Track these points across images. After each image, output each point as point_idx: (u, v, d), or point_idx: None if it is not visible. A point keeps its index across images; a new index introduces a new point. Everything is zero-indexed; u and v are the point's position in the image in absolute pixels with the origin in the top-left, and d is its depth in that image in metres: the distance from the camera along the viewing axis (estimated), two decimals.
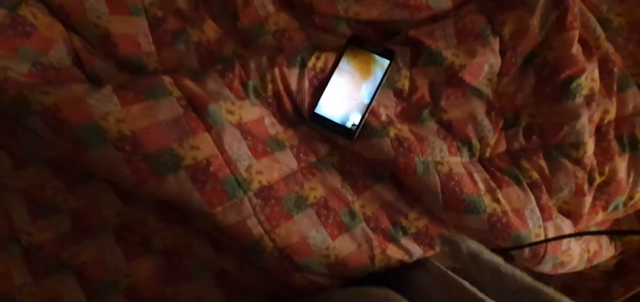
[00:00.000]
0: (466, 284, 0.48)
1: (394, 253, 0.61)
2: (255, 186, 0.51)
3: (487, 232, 0.60)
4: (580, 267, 0.73)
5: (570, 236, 0.61)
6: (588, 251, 0.71)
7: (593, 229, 0.72)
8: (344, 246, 0.56)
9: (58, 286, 0.54)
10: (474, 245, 0.48)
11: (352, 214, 0.58)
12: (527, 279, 0.48)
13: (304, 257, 0.53)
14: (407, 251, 0.62)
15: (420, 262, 0.59)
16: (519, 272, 0.50)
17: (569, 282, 0.90)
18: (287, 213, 0.53)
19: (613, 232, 0.57)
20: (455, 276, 0.50)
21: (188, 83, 0.52)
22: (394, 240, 0.60)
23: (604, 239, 0.77)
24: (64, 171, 0.54)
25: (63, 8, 0.55)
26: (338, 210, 0.57)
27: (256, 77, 0.56)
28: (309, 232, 0.53)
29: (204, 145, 0.49)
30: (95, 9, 0.56)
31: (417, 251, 0.63)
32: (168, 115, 0.48)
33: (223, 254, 0.57)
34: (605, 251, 0.75)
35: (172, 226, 0.56)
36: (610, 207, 0.68)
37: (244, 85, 0.56)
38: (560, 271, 0.69)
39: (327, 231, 0.55)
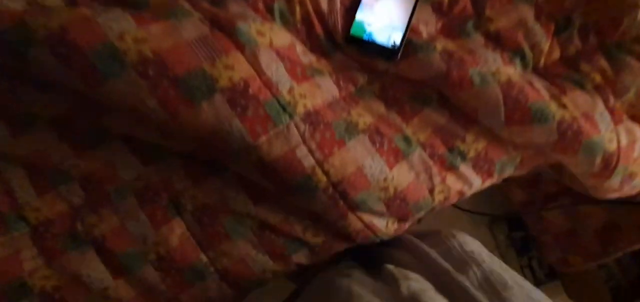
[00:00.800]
0: (449, 267, 0.42)
1: (454, 183, 0.54)
2: (301, 109, 0.44)
3: (554, 143, 0.53)
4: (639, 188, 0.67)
5: None
6: None
7: None
8: (402, 176, 0.49)
9: (76, 263, 0.46)
10: (416, 285, 0.40)
11: (407, 140, 0.51)
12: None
13: (361, 191, 0.46)
14: (466, 181, 0.55)
15: (398, 240, 0.52)
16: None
17: (610, 219, 0.85)
18: (340, 139, 0.45)
19: None
20: (438, 257, 0.44)
21: (208, 6, 0.45)
22: (452, 167, 0.54)
23: None
24: (71, 132, 0.46)
25: None
26: (391, 136, 0.50)
27: None
28: (364, 161, 0.46)
29: (239, 65, 0.41)
30: None
31: (476, 181, 0.56)
32: (194, 33, 0.41)
33: (265, 204, 0.49)
34: None
35: (202, 182, 0.48)
36: None
37: (269, 8, 0.49)
38: (626, 187, 0.63)
39: (383, 158, 0.48)
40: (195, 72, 0.39)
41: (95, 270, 0.46)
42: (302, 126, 0.44)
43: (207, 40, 0.41)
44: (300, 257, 0.52)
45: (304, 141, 0.43)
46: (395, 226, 0.53)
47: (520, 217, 1.04)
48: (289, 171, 0.43)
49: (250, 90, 0.41)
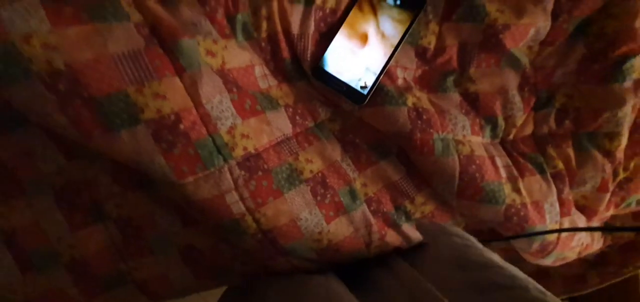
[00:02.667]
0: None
1: (393, 240, 0.53)
2: (239, 152, 0.40)
3: (499, 223, 0.53)
4: (574, 257, 0.69)
5: (576, 229, 0.55)
6: (581, 244, 0.67)
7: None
8: (339, 230, 0.47)
9: None
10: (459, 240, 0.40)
11: (352, 194, 0.48)
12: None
13: (291, 241, 0.44)
14: (406, 237, 0.54)
15: (383, 259, 0.51)
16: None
17: (542, 267, 0.89)
18: (277, 189, 0.42)
19: (610, 230, 0.52)
20: (430, 286, 0.42)
21: (153, 5, 0.38)
22: (394, 226, 0.52)
23: (597, 233, 0.73)
24: None
25: None
26: (337, 188, 0.47)
27: (247, 9, 0.43)
28: (301, 214, 0.44)
29: (172, 94, 0.36)
30: None
31: (416, 239, 0.55)
32: (123, 46, 0.34)
33: (193, 228, 0.46)
34: (595, 244, 0.72)
35: (131, 191, 0.44)
36: (624, 204, 0.63)
37: (231, 19, 0.42)
38: (558, 263, 0.65)
39: (322, 212, 0.45)
40: (116, 96, 0.34)
41: (2, 264, 0.43)
42: (236, 171, 0.40)
43: (139, 58, 0.35)
44: (227, 281, 0.51)
45: (237, 188, 0.40)
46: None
47: None
48: (215, 213, 0.40)
49: (182, 126, 0.36)
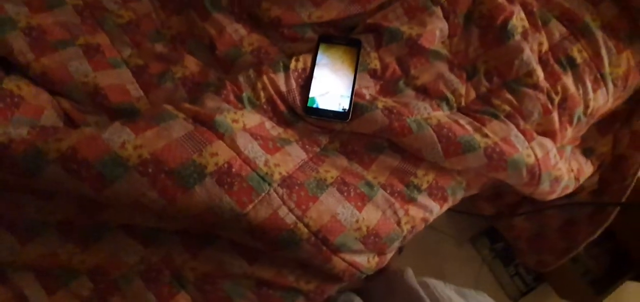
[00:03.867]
0: None
1: (416, 213, 0.64)
2: (277, 177, 0.53)
3: (486, 166, 0.65)
4: (572, 187, 0.81)
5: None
6: (572, 170, 0.80)
7: (569, 147, 0.82)
8: (371, 215, 0.58)
9: None
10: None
11: (369, 185, 0.61)
12: None
13: (338, 234, 0.54)
14: (426, 208, 0.65)
15: (383, 273, 0.60)
16: None
17: (567, 217, 0.98)
18: (313, 195, 0.54)
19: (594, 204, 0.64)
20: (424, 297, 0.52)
21: (188, 106, 0.55)
22: (412, 200, 0.63)
23: (581, 156, 0.87)
24: (74, 232, 0.52)
25: (46, 75, 0.56)
26: (356, 183, 0.60)
27: (248, 88, 0.60)
28: (337, 209, 0.55)
29: (221, 151, 0.50)
30: (80, 70, 0.58)
31: (435, 207, 0.66)
32: (181, 132, 0.50)
33: (258, 264, 0.56)
34: (585, 166, 0.85)
35: (199, 253, 0.55)
36: (575, 119, 0.77)
37: (239, 98, 0.59)
38: (557, 189, 0.76)
39: (352, 204, 0.57)
40: (186, 163, 0.48)
41: None
42: (280, 190, 0.52)
43: (193, 136, 0.50)
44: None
45: (284, 202, 0.52)
46: (376, 259, 0.61)
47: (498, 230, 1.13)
48: (275, 230, 0.51)
49: (234, 169, 0.50)
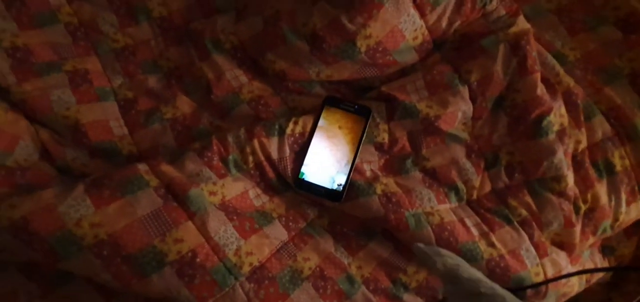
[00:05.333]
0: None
1: None
2: (246, 269, 0.49)
3: (487, 277, 0.59)
4: (581, 289, 0.73)
5: (569, 275, 0.60)
6: (582, 276, 0.72)
7: (587, 251, 0.73)
8: None
9: None
10: (450, 261, 0.45)
11: (350, 280, 0.55)
12: (509, 298, 0.45)
13: None
14: None
15: None
16: (500, 291, 0.47)
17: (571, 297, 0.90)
18: (283, 292, 0.50)
19: (611, 269, 0.57)
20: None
21: (165, 168, 0.50)
22: (396, 299, 0.58)
23: (598, 256, 0.78)
24: (38, 274, 0.49)
25: (26, 102, 0.53)
26: (335, 278, 0.55)
27: (236, 151, 0.55)
28: None
29: (188, 236, 0.46)
30: (62, 101, 0.54)
31: None
32: (147, 209, 0.45)
33: None
34: (600, 265, 0.76)
35: None
36: (599, 231, 0.68)
37: (224, 161, 0.54)
38: (563, 300, 0.69)
39: None
40: (146, 249, 0.44)
41: None
42: (247, 285, 0.48)
43: (159, 215, 0.46)
44: None
45: (249, 300, 0.48)
46: None
47: None
48: None
49: (198, 259, 0.46)
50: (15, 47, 0.53)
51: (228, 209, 0.51)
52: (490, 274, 0.58)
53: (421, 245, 0.48)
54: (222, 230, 0.49)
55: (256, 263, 0.50)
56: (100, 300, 0.51)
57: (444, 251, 0.46)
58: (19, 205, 0.42)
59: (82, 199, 0.43)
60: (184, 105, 0.60)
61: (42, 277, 0.50)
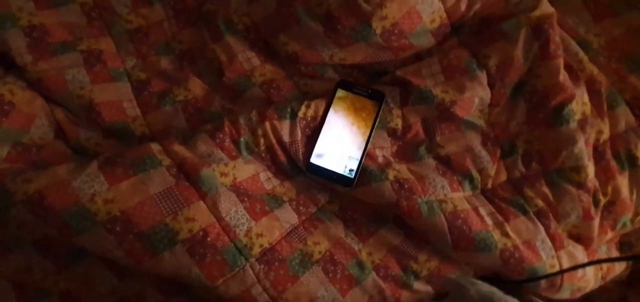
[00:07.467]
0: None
1: (408, 299, 0.58)
2: (256, 250, 0.48)
3: (500, 267, 0.57)
4: (596, 286, 0.71)
5: (585, 265, 0.59)
6: (601, 268, 0.69)
7: (604, 247, 0.71)
8: (355, 301, 0.53)
9: None
10: (484, 288, 0.44)
11: (360, 265, 0.55)
12: None
13: None
14: (420, 295, 0.59)
15: None
16: None
17: (585, 296, 0.88)
18: (293, 275, 0.50)
19: (629, 258, 0.55)
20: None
21: (178, 148, 0.50)
22: (406, 286, 0.57)
23: (615, 253, 0.76)
24: (52, 252, 0.50)
25: (42, 81, 0.53)
26: (345, 263, 0.54)
27: (247, 133, 0.55)
28: (317, 292, 0.50)
29: (199, 216, 0.46)
30: (77, 80, 0.54)
31: (430, 292, 0.60)
32: (159, 187, 0.46)
33: None
34: (617, 265, 0.73)
35: (172, 298, 0.52)
36: (619, 226, 0.66)
37: (236, 143, 0.54)
38: (578, 295, 0.67)
39: (336, 287, 0.52)
40: (158, 226, 0.44)
41: None
42: (257, 267, 0.48)
43: (172, 193, 0.46)
44: None
45: (259, 281, 0.47)
46: None
47: None
48: None
49: (209, 238, 0.46)
50: (31, 26, 0.54)
51: (239, 191, 0.51)
52: (504, 264, 0.57)
53: (452, 276, 0.46)
54: (233, 211, 0.49)
55: (266, 245, 0.50)
56: (112, 278, 0.51)
57: (477, 281, 0.45)
58: (35, 179, 0.42)
59: (95, 176, 0.44)
60: (196, 87, 0.60)
61: (57, 255, 0.50)
